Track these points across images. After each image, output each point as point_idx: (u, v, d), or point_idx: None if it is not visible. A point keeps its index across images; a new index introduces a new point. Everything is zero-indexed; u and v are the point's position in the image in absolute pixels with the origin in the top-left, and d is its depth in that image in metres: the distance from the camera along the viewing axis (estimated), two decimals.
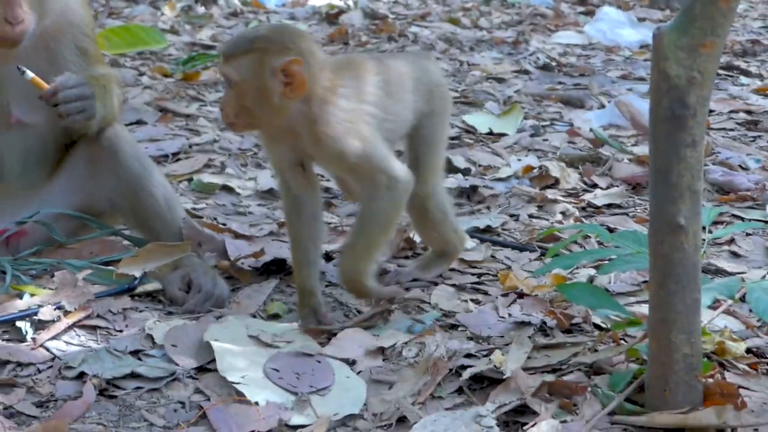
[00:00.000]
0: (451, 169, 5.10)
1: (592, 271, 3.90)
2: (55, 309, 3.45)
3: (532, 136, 5.81)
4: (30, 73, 3.58)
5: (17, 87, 3.74)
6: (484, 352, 3.29)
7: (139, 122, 5.80)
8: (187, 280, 3.68)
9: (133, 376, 3.17)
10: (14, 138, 3.83)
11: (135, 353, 3.28)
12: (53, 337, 3.35)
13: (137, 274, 3.67)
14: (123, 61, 7.30)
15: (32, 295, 3.59)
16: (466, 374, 3.12)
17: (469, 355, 3.28)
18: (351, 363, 3.28)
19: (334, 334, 3.40)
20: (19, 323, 3.39)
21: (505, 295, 3.74)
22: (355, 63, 3.59)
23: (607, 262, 3.72)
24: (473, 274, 3.99)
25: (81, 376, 3.15)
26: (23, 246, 3.91)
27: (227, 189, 4.93)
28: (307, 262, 3.56)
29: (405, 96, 3.59)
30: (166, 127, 5.69)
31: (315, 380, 3.18)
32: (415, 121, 3.66)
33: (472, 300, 3.76)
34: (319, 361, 3.27)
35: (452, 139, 5.68)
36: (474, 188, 4.86)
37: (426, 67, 3.77)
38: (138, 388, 3.12)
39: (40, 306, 3.45)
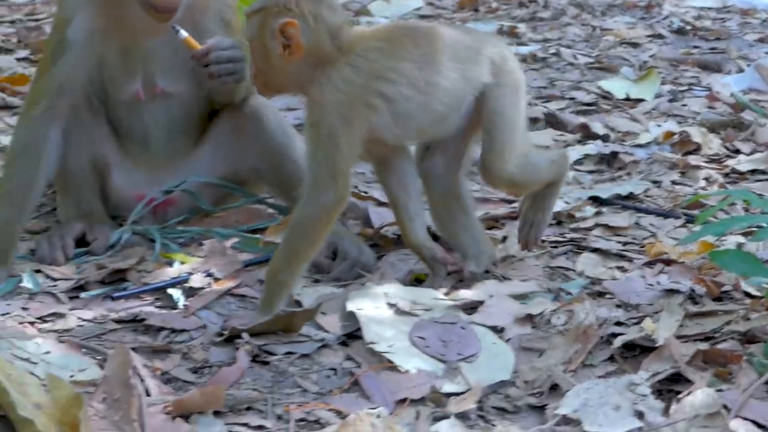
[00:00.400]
0: (590, 135, 5.05)
1: (741, 238, 3.83)
2: (205, 276, 3.49)
3: (670, 101, 5.72)
4: (184, 33, 3.62)
5: (163, 58, 3.80)
6: (635, 320, 3.25)
7: None
8: (333, 248, 3.69)
9: (284, 343, 3.18)
10: (159, 108, 3.89)
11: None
12: (204, 306, 3.39)
13: None
14: None
15: (182, 263, 3.64)
16: (618, 342, 3.09)
17: (619, 323, 3.24)
18: (499, 331, 3.26)
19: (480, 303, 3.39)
20: (170, 290, 3.44)
21: (651, 263, 3.69)
22: (394, 32, 3.45)
23: (756, 229, 3.65)
24: (618, 242, 3.94)
25: (233, 342, 3.18)
26: (171, 215, 3.98)
27: None
28: (408, 218, 3.52)
29: (454, 65, 3.40)
30: None
31: (462, 347, 3.17)
32: (475, 92, 3.44)
33: (617, 267, 3.72)
34: (463, 328, 3.26)
35: (588, 105, 5.65)
36: (614, 154, 4.79)
37: (490, 40, 3.59)
38: (289, 353, 3.14)
39: (190, 274, 3.49)
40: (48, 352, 2.98)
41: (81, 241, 3.83)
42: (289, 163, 3.88)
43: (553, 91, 5.95)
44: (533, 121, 5.22)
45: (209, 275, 3.52)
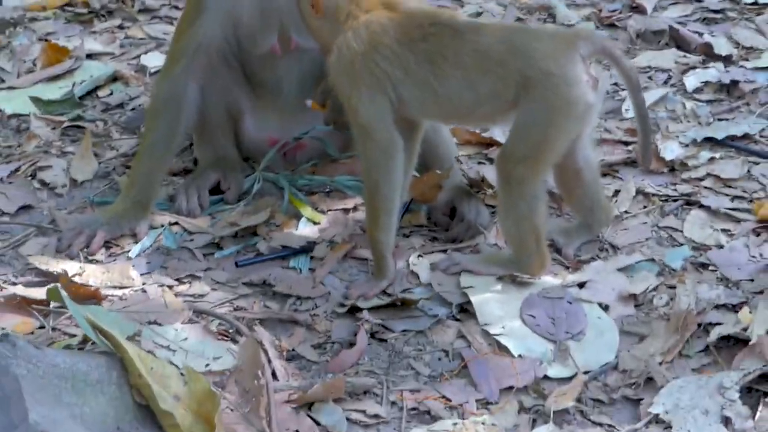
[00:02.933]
0: (712, 55, 5.09)
1: None
2: (327, 246, 3.74)
3: None
4: (309, 102, 3.91)
5: (297, 15, 3.95)
6: (734, 303, 3.42)
7: None
8: (451, 207, 3.90)
9: (401, 318, 3.44)
10: (293, 61, 4.08)
11: (402, 291, 3.54)
12: (329, 272, 3.65)
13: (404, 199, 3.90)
14: None
15: (309, 219, 3.88)
16: (714, 334, 3.27)
17: (717, 307, 3.41)
18: (604, 308, 3.46)
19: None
20: (292, 261, 3.70)
21: (757, 230, 3.82)
22: (415, 16, 3.51)
23: None
24: (727, 195, 4.06)
25: (353, 314, 3.44)
26: (300, 158, 4.22)
27: None
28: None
29: (459, 73, 3.42)
30: None
31: (569, 324, 3.40)
32: (493, 105, 3.45)
33: (723, 230, 3.85)
34: (570, 302, 3.47)
35: (716, 12, 5.63)
36: (734, 83, 4.85)
37: (528, 49, 3.38)
38: (405, 331, 3.39)
39: (314, 243, 3.74)
40: (185, 339, 3.27)
41: (216, 189, 4.09)
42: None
43: None
44: (655, 36, 5.28)
45: (331, 242, 3.76)
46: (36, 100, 4.68)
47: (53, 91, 4.80)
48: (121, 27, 5.51)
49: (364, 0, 3.51)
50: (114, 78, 4.94)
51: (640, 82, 3.52)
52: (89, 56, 5.14)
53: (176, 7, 5.72)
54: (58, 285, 3.33)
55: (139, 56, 5.18)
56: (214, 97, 4.09)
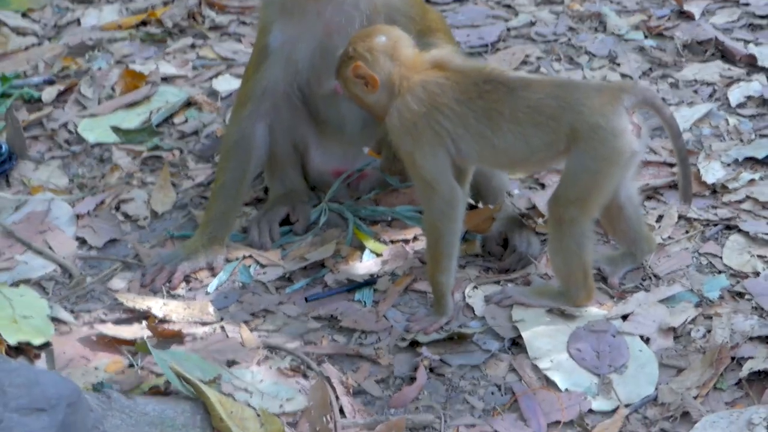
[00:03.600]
0: (756, 67, 5.31)
1: None
2: (389, 279, 4.06)
3: None
4: (366, 149, 4.22)
5: None
6: (767, 335, 3.70)
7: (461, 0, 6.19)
8: (504, 237, 4.20)
9: (458, 353, 3.75)
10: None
11: (459, 326, 3.85)
12: (391, 305, 3.97)
13: None
14: None
15: (372, 251, 4.20)
16: (746, 369, 3.56)
17: (751, 339, 3.69)
18: (645, 340, 3.76)
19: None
20: (357, 294, 4.03)
21: None
22: (468, 73, 3.78)
23: None
24: (765, 218, 4.32)
25: (414, 345, 3.77)
26: (362, 188, 4.54)
27: None
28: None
29: (515, 128, 3.70)
30: (485, 6, 6.07)
31: (613, 358, 3.70)
32: (545, 154, 3.74)
33: (760, 257, 4.11)
34: (614, 336, 3.77)
35: (762, 17, 5.82)
36: None
37: (577, 104, 3.65)
38: (461, 366, 3.71)
39: (378, 277, 4.06)
40: (261, 381, 3.61)
41: (285, 220, 4.41)
42: None
43: None
44: (701, 46, 5.50)
45: (393, 275, 4.08)
46: (116, 130, 5.02)
47: (132, 119, 5.13)
48: (193, 46, 5.81)
49: (415, 62, 3.79)
50: (188, 103, 5.24)
51: (680, 129, 3.78)
52: (164, 79, 5.45)
53: (244, 23, 6.03)
54: (146, 338, 3.69)
55: (210, 79, 5.48)
56: (281, 135, 4.40)
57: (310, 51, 4.23)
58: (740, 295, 3.95)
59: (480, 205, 4.20)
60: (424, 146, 3.73)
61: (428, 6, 4.39)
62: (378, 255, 4.21)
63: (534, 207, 4.39)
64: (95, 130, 5.06)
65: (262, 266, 4.22)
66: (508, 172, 4.33)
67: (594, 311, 3.87)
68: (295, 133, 4.45)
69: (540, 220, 4.32)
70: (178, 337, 3.82)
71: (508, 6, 6.11)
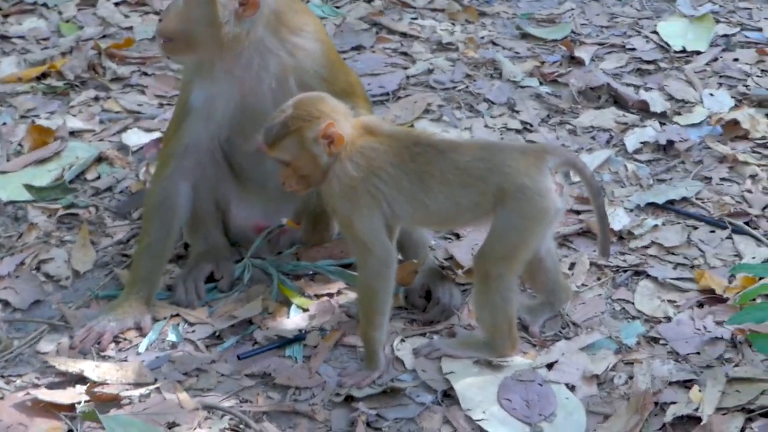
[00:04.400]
0: (648, 113, 5.55)
1: None
2: (318, 334, 4.16)
3: (723, 50, 6.18)
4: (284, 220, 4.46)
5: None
6: (685, 379, 3.90)
7: (359, 48, 6.31)
8: (427, 289, 4.33)
9: (393, 407, 3.86)
10: None
11: (391, 380, 3.96)
12: (323, 361, 4.07)
13: None
14: None
15: (299, 306, 4.29)
16: (669, 415, 3.75)
17: (671, 383, 3.89)
18: (571, 388, 3.92)
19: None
20: (288, 349, 4.12)
21: (700, 302, 4.30)
22: (398, 137, 3.91)
23: None
24: (671, 263, 4.54)
25: (349, 400, 3.87)
26: (283, 242, 4.63)
27: None
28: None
29: (446, 189, 3.85)
30: (383, 54, 6.21)
31: (542, 406, 3.85)
32: (474, 213, 3.90)
33: (670, 302, 4.32)
34: (541, 384, 3.92)
35: (648, 62, 6.09)
36: (671, 143, 5.32)
37: (503, 166, 3.83)
38: (397, 419, 3.82)
39: (306, 332, 4.16)
40: None
41: (209, 277, 4.47)
42: None
43: (615, 32, 6.39)
44: (594, 92, 5.73)
45: (321, 330, 4.18)
46: (29, 187, 5.01)
47: (43, 176, 5.13)
48: (96, 98, 5.83)
49: (354, 128, 3.89)
50: (99, 158, 5.26)
51: (599, 188, 3.96)
52: (72, 134, 5.46)
53: (146, 74, 6.06)
54: (83, 403, 3.75)
55: (119, 133, 5.50)
56: (204, 193, 4.46)
57: (230, 109, 4.30)
58: (655, 340, 4.14)
59: (401, 257, 4.32)
60: (362, 209, 3.83)
61: (346, 67, 4.49)
62: (305, 310, 4.30)
63: (452, 258, 4.53)
64: (7, 188, 5.04)
65: (191, 324, 4.27)
66: (438, 228, 4.46)
67: (519, 360, 4.02)
68: (217, 191, 4.51)
69: (459, 271, 4.46)
70: (116, 401, 3.85)
71: (405, 53, 6.26)
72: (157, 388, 3.94)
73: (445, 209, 3.88)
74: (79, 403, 3.82)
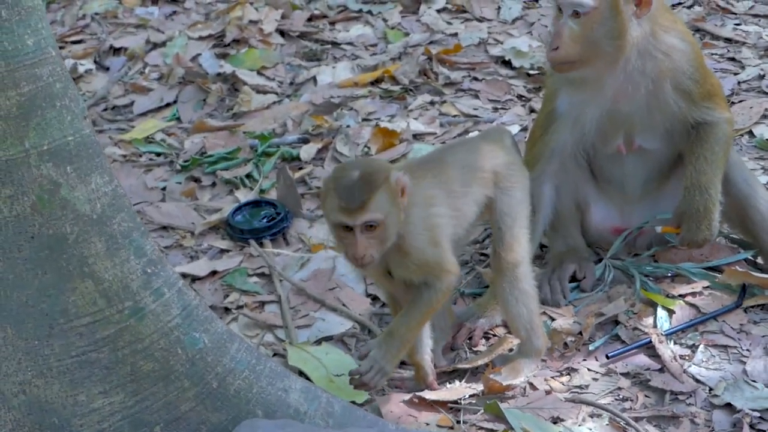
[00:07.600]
0: None
1: None
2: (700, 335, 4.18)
3: None
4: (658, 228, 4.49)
5: (640, 120, 4.36)
6: None
7: None
8: None
9: None
10: (636, 159, 4.50)
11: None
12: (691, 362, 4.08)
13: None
14: None
15: (664, 308, 4.31)
16: None
17: None
18: None
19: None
20: (660, 348, 4.13)
21: None
22: (425, 167, 3.92)
23: None
24: None
25: (728, 406, 3.86)
26: (639, 244, 4.67)
27: None
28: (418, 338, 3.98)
29: (466, 189, 3.93)
30: (711, 59, 6.16)
31: None
32: (482, 205, 3.99)
33: None
34: None
35: None
36: None
37: (491, 151, 4.04)
38: None
39: (666, 335, 4.19)
40: None
41: (572, 276, 4.56)
42: (752, 211, 4.44)
43: None
44: None
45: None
46: None
47: None
48: (432, 103, 5.97)
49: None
50: None
51: None
52: (414, 136, 5.61)
53: (476, 79, 6.17)
54: (496, 401, 3.84)
55: (460, 135, 5.62)
56: (566, 195, 4.56)
57: (597, 115, 4.36)
58: None
59: None
60: (440, 240, 3.84)
61: (709, 70, 4.48)
62: (670, 311, 4.31)
63: None
64: None
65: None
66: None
67: None
68: (578, 193, 4.59)
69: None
70: (503, 392, 3.95)
71: (733, 59, 6.20)
72: (530, 383, 4.01)
73: (471, 210, 3.94)
74: (464, 397, 3.91)
